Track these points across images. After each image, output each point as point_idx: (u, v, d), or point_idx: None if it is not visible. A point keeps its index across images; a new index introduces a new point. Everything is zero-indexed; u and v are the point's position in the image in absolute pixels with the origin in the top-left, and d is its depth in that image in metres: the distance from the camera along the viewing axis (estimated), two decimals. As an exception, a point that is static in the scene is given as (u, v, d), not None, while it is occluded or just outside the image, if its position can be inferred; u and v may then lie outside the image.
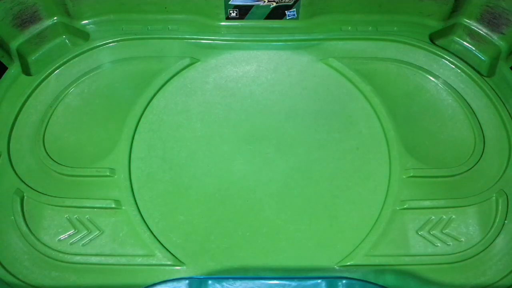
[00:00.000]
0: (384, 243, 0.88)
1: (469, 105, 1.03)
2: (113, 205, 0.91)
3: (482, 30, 1.12)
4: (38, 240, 0.88)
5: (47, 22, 1.13)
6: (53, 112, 1.02)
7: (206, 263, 0.87)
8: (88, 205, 0.91)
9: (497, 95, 1.03)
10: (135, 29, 1.13)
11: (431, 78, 1.07)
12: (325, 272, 0.86)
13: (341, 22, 1.13)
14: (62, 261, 0.86)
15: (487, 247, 0.87)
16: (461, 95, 1.04)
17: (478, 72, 1.08)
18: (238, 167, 0.96)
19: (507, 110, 1.01)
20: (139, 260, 0.86)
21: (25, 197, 0.92)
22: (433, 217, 0.90)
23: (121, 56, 1.10)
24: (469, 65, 1.08)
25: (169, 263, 0.86)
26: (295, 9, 1.11)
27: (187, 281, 0.70)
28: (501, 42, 1.09)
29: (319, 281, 0.71)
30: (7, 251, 0.87)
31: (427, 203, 0.91)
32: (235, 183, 0.95)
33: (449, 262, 0.86)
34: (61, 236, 0.88)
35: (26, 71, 1.10)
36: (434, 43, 1.12)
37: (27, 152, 0.97)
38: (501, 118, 1.01)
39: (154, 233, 0.89)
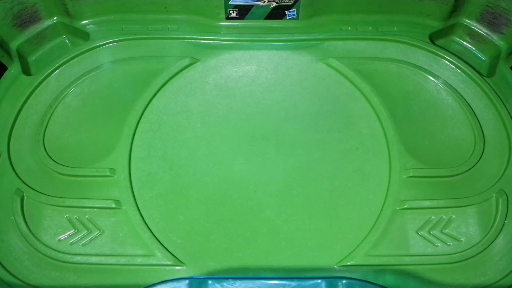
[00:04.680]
0: (384, 243, 0.88)
1: (469, 105, 1.03)
2: (113, 205, 0.91)
3: (482, 30, 1.12)
4: (38, 240, 0.88)
5: (47, 22, 1.13)
6: (53, 112, 1.02)
7: (206, 263, 0.87)
8: (88, 205, 0.91)
9: (497, 95, 1.03)
10: (135, 29, 1.13)
11: (431, 78, 1.07)
12: (325, 272, 0.86)
13: (341, 22, 1.13)
14: (62, 261, 0.86)
15: (487, 247, 0.87)
16: (461, 95, 1.04)
17: (478, 72, 1.08)
18: (238, 167, 0.96)
19: (507, 110, 1.01)
20: (139, 260, 0.86)
21: (25, 197, 0.92)
22: (433, 217, 0.90)
23: (121, 56, 1.10)
24: (469, 65, 1.09)
25: (169, 263, 0.86)
26: (295, 9, 1.11)
27: (187, 281, 0.70)
28: (501, 42, 1.09)
29: (319, 281, 0.71)
30: (7, 251, 0.87)
31: (427, 203, 0.91)
32: (235, 183, 0.94)
33: (449, 262, 0.86)
34: (61, 236, 0.88)
35: (26, 71, 1.10)
36: (434, 43, 1.12)
37: (27, 152, 0.97)
38: (501, 118, 1.01)
39: (154, 233, 0.89)
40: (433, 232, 0.89)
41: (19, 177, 0.94)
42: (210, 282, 0.70)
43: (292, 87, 1.06)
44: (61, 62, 1.08)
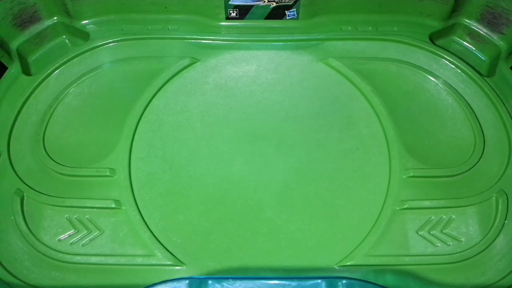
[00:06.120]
0: (384, 243, 0.88)
1: (469, 105, 1.03)
2: (113, 205, 0.91)
3: (482, 30, 1.12)
4: (38, 240, 0.88)
5: (47, 22, 1.13)
6: (53, 112, 1.02)
7: (206, 263, 0.87)
8: (88, 205, 0.91)
9: (497, 95, 1.03)
10: (135, 29, 1.13)
11: (431, 78, 1.07)
12: (325, 272, 0.86)
13: (341, 22, 1.13)
14: (62, 261, 0.86)
15: (487, 247, 0.87)
16: (461, 95, 1.04)
17: (478, 72, 1.08)
18: (238, 167, 0.96)
19: (507, 110, 1.01)
20: (139, 260, 0.86)
21: (25, 197, 0.92)
22: (433, 217, 0.90)
23: (121, 56, 1.10)
24: (469, 65, 1.09)
25: (169, 263, 0.86)
26: (295, 9, 1.11)
27: (187, 281, 0.70)
28: (501, 42, 1.09)
29: (319, 281, 0.71)
30: (7, 251, 0.87)
31: (427, 203, 0.91)
32: (235, 183, 0.94)
33: (449, 262, 0.86)
34: (61, 236, 0.88)
35: (26, 71, 1.10)
36: (434, 43, 1.12)
37: (27, 152, 0.97)
38: (501, 118, 1.01)
39: (154, 233, 0.89)
40: (433, 232, 0.89)
41: (19, 177, 0.94)
42: (210, 282, 0.70)
43: (292, 87, 1.06)
44: (61, 62, 1.08)
